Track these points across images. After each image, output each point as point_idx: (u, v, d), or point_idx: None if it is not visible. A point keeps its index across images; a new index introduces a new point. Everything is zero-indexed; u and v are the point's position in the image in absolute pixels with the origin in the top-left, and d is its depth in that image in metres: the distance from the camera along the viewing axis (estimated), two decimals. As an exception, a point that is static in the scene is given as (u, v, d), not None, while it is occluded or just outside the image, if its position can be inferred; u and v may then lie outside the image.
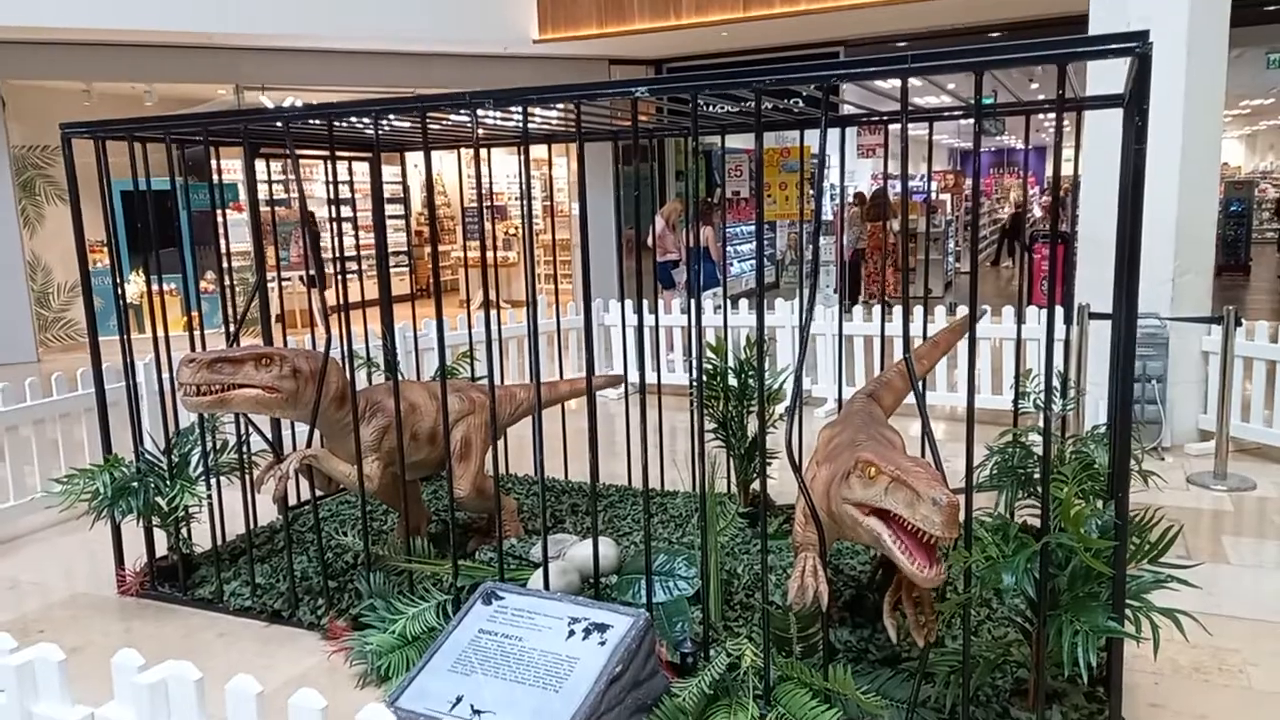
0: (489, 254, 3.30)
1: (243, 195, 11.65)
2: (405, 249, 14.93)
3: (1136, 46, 2.10)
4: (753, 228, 14.33)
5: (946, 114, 4.17)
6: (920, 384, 2.68)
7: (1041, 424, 2.49)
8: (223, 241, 3.78)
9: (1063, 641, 2.35)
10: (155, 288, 3.74)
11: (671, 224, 9.13)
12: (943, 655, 2.77)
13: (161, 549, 3.96)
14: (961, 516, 2.37)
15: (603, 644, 2.64)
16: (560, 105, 3.52)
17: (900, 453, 2.59)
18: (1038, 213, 19.31)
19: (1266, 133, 24.99)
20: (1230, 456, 5.15)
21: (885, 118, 4.02)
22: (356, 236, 4.65)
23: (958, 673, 2.62)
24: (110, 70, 10.26)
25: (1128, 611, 2.40)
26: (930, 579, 2.24)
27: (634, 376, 6.32)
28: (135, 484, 3.76)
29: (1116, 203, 2.62)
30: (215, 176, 3.74)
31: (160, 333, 3.76)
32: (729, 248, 13.48)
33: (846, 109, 4.26)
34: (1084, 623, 2.36)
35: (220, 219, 3.85)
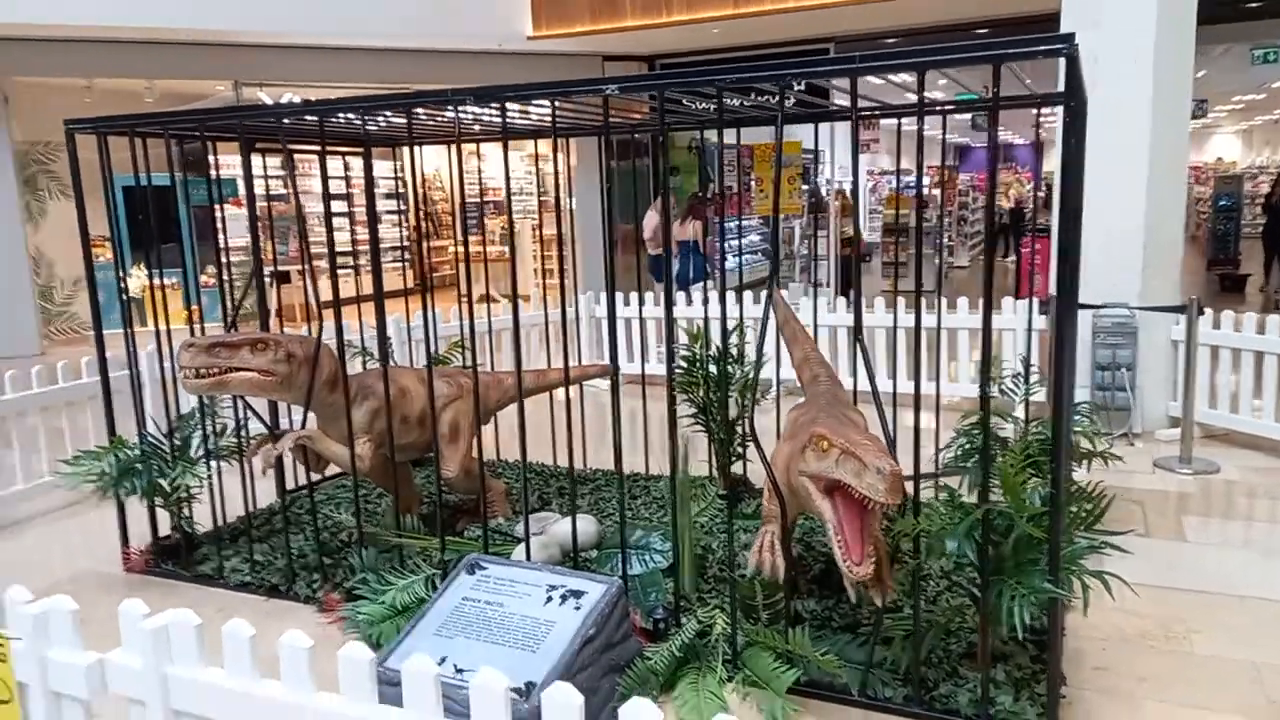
0: (484, 249, 3.47)
1: (241, 191, 11.81)
2: (403, 244, 15.06)
3: (1064, 48, 2.26)
4: (742, 223, 14.45)
5: (898, 110, 4.25)
6: (870, 365, 2.85)
7: (1002, 406, 2.66)
8: (221, 236, 3.95)
9: (1002, 603, 2.53)
10: (157, 281, 3.91)
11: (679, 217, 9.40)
12: (898, 620, 2.95)
13: (165, 529, 4.14)
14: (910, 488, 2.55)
15: (578, 608, 2.82)
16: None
17: (854, 429, 2.76)
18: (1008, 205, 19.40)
19: (1262, 128, 25.08)
20: (1198, 442, 5.32)
21: (834, 109, 4.14)
22: (353, 231, 4.76)
23: (912, 637, 2.80)
24: (111, 67, 10.41)
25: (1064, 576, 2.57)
26: (856, 574, 2.48)
27: (625, 366, 6.48)
28: (139, 465, 3.94)
29: (1086, 198, 2.77)
30: (214, 172, 3.91)
31: (163, 325, 3.93)
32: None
33: (843, 102, 4.37)
34: (1023, 585, 2.54)
35: (219, 214, 4.02)
